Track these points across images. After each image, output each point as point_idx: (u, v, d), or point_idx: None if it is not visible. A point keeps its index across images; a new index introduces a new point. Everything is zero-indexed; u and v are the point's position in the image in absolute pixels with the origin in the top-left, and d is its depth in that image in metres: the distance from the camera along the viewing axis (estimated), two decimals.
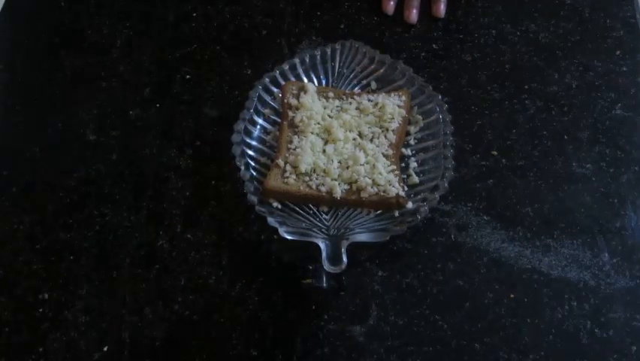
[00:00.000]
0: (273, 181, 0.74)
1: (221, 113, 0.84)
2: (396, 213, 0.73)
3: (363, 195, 0.73)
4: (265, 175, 0.75)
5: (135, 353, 0.69)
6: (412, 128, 0.80)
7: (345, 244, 0.71)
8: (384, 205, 0.74)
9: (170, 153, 0.81)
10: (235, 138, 0.77)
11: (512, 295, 0.72)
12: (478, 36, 0.91)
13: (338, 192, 0.73)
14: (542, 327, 0.70)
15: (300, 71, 0.83)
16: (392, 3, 0.93)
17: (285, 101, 0.80)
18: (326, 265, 0.71)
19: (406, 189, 0.75)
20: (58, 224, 0.76)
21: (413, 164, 0.78)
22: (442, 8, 0.93)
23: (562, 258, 0.74)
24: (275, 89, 0.82)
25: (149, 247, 0.75)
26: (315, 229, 0.72)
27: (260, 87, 0.81)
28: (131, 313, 0.71)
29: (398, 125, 0.78)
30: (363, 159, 0.75)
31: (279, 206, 0.74)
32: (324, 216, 0.75)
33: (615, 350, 0.69)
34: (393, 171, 0.75)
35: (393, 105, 0.79)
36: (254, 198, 0.73)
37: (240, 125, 0.77)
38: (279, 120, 0.80)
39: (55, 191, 0.79)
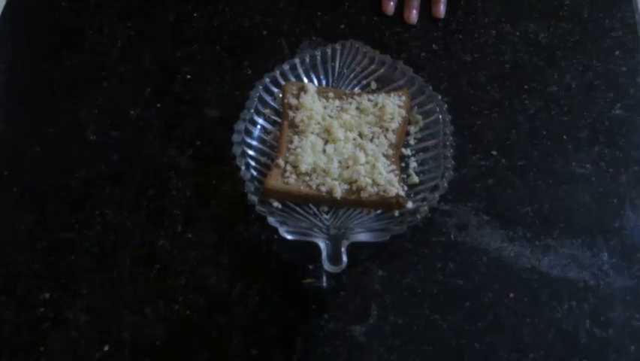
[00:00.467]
0: (274, 181, 0.74)
1: (221, 113, 0.84)
2: (396, 213, 0.73)
3: (363, 195, 0.73)
4: (265, 175, 0.75)
5: (135, 352, 0.69)
6: (412, 128, 0.80)
7: (345, 243, 0.71)
8: (384, 205, 0.74)
9: (170, 152, 0.81)
10: (235, 137, 0.77)
11: (512, 295, 0.72)
12: (478, 36, 0.91)
13: (338, 192, 0.74)
14: (542, 327, 0.70)
15: (301, 71, 0.83)
16: (392, 3, 0.93)
17: (286, 101, 0.80)
18: (326, 265, 0.71)
19: (406, 188, 0.75)
20: (59, 224, 0.76)
21: (413, 164, 0.78)
22: (442, 8, 0.93)
23: (561, 258, 0.74)
24: (275, 89, 0.82)
25: (150, 246, 0.75)
26: (315, 229, 0.72)
27: (260, 87, 0.81)
28: (132, 312, 0.71)
29: (398, 125, 0.78)
30: (363, 159, 0.75)
31: (280, 206, 0.74)
32: (324, 216, 0.75)
33: (614, 349, 0.69)
34: (393, 170, 0.75)
35: (393, 105, 0.79)
36: (254, 198, 0.73)
37: (240, 125, 0.78)
38: (280, 120, 0.80)
39: (56, 191, 0.79)
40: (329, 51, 0.84)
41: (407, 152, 0.79)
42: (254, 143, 0.78)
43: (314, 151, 0.76)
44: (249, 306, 0.71)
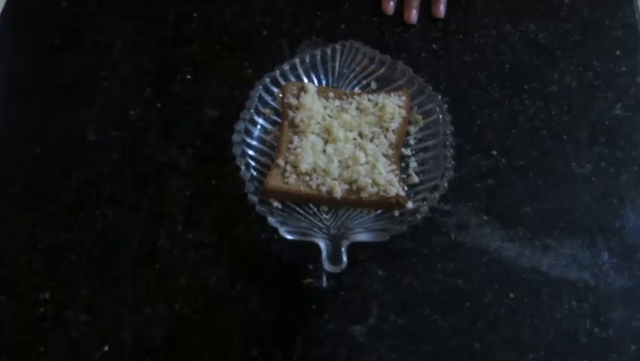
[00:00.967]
0: (274, 181, 0.74)
1: (221, 113, 0.84)
2: (396, 213, 0.73)
3: (364, 194, 0.73)
4: (265, 175, 0.75)
5: (136, 352, 0.69)
6: (412, 128, 0.80)
7: (345, 243, 0.71)
8: (384, 205, 0.74)
9: (170, 152, 0.81)
10: (235, 137, 0.77)
11: (512, 295, 0.72)
12: (478, 36, 0.91)
13: (338, 192, 0.74)
14: (542, 327, 0.70)
15: (301, 71, 0.83)
16: (392, 3, 0.93)
17: (286, 101, 0.80)
18: (326, 265, 0.71)
19: (406, 188, 0.75)
20: (59, 224, 0.76)
21: (413, 164, 0.78)
22: (442, 8, 0.93)
23: (561, 258, 0.74)
24: (275, 89, 0.82)
25: (150, 246, 0.75)
26: (315, 229, 0.72)
27: (260, 87, 0.81)
28: (132, 312, 0.71)
29: (398, 125, 0.78)
30: (363, 159, 0.75)
31: (280, 206, 0.74)
32: (324, 215, 0.75)
33: (614, 349, 0.69)
34: (393, 170, 0.75)
35: (393, 105, 0.79)
36: (254, 198, 0.73)
37: (240, 125, 0.78)
38: (280, 120, 0.80)
39: (56, 191, 0.79)
40: (329, 51, 0.84)
41: (407, 152, 0.79)
42: (254, 143, 0.78)
43: (314, 151, 0.76)
44: (249, 306, 0.71)
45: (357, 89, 0.84)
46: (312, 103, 0.79)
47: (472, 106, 0.85)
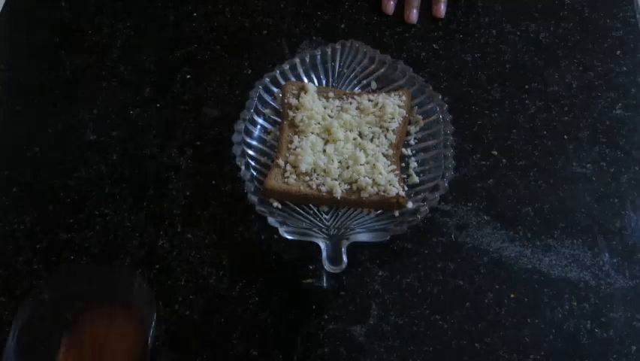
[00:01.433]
0: (274, 181, 0.74)
1: (221, 113, 0.84)
2: (397, 213, 0.73)
3: (364, 194, 0.73)
4: (265, 175, 0.75)
5: None
6: (412, 128, 0.80)
7: (345, 243, 0.71)
8: (384, 205, 0.74)
9: (170, 152, 0.81)
10: (235, 137, 0.77)
11: (512, 295, 0.72)
12: (478, 36, 0.91)
13: (338, 192, 0.74)
14: (542, 327, 0.70)
15: (301, 71, 0.83)
16: (392, 3, 0.93)
17: (286, 101, 0.80)
18: (326, 265, 0.71)
19: (406, 189, 0.75)
20: (59, 224, 0.76)
21: (413, 164, 0.78)
22: (442, 8, 0.93)
23: (562, 258, 0.74)
24: (275, 89, 0.82)
25: (150, 246, 0.75)
26: (315, 229, 0.72)
27: (260, 87, 0.81)
28: None
29: (398, 125, 0.78)
30: (363, 159, 0.75)
31: (280, 206, 0.74)
32: (324, 216, 0.75)
33: (615, 349, 0.69)
34: (393, 170, 0.75)
35: (393, 105, 0.79)
36: (254, 198, 0.73)
37: (240, 125, 0.77)
38: (280, 120, 0.80)
39: (56, 191, 0.79)
40: (329, 51, 0.84)
41: (407, 152, 0.79)
42: (254, 143, 0.78)
43: (314, 151, 0.76)
44: (249, 306, 0.71)
45: (357, 89, 0.84)
46: (312, 103, 0.79)
47: (472, 106, 0.85)
